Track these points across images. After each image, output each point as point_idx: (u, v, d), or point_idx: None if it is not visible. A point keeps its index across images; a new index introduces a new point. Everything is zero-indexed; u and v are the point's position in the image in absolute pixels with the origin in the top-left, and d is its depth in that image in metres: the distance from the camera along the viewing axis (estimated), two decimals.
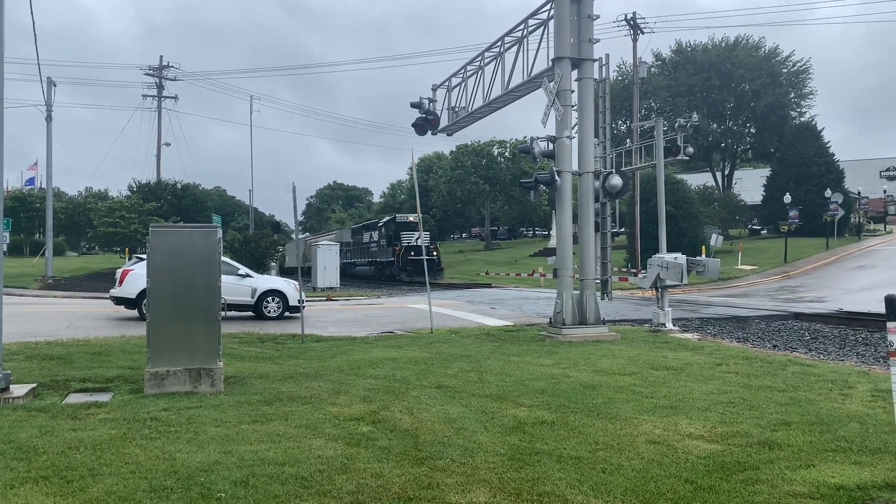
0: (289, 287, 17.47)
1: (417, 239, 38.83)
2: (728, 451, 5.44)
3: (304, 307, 14.51)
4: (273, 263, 36.12)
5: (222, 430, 5.97)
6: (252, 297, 16.99)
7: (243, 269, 17.48)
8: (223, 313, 9.66)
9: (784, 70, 61.65)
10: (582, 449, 5.54)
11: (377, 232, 46.58)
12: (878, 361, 10.96)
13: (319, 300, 25.73)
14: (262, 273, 22.49)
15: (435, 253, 41.41)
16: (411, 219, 42.76)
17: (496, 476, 4.83)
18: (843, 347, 12.68)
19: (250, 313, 17.07)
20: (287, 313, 17.17)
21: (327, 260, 34.81)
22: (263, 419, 6.37)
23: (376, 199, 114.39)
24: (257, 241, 37.05)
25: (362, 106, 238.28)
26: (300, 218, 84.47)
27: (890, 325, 4.45)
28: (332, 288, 33.42)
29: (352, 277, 48.33)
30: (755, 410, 6.82)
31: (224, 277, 9.61)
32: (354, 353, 10.94)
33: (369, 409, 6.80)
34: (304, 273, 25.55)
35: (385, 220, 47.44)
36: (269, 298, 17.13)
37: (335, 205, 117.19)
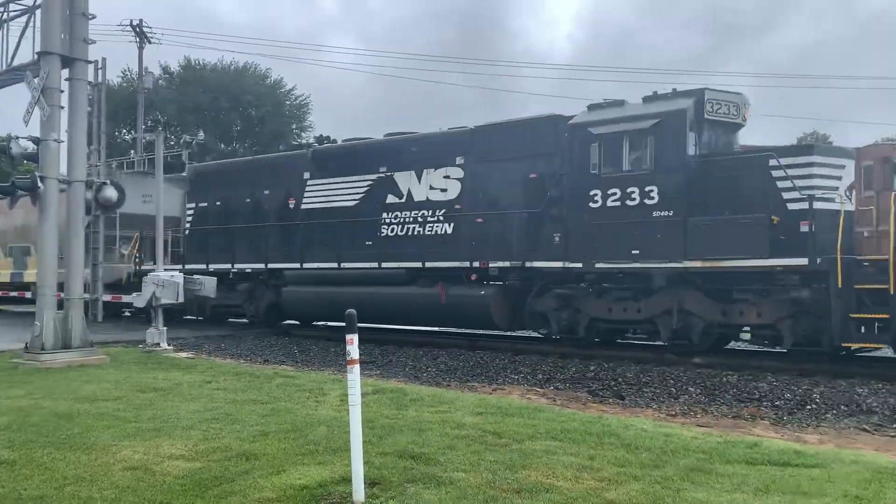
0: None
1: None
2: (207, 468, 5.52)
3: None
4: None
5: None
6: None
7: None
8: None
9: (287, 102, 66.27)
10: (47, 487, 5.01)
11: None
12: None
13: None
14: None
15: None
16: None
17: None
18: (325, 358, 14.04)
19: None
20: None
21: None
22: None
23: None
24: None
25: None
26: None
27: (348, 336, 5.07)
28: None
29: None
30: (238, 424, 7.07)
31: None
32: None
33: None
34: None
35: None
36: None
37: None
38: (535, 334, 15.53)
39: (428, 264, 14.73)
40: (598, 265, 12.67)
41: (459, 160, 14.70)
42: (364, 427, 5.24)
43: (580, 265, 12.83)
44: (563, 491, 4.95)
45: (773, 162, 11.39)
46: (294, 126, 66.95)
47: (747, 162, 11.94)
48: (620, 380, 10.94)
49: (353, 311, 5.25)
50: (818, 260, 10.68)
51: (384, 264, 15.36)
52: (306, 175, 17.18)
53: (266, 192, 17.89)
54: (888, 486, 5.18)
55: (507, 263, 13.78)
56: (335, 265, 16.07)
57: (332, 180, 16.67)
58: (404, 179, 15.49)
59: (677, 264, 11.83)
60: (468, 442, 6.35)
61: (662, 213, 11.99)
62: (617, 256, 12.41)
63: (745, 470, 5.58)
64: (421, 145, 15.63)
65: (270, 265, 17.30)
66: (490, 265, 14.00)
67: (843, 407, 8.90)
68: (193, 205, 19.10)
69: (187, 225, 19.25)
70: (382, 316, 16.16)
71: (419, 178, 15.22)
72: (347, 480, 5.00)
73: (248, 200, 18.15)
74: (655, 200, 12.05)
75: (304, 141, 67.50)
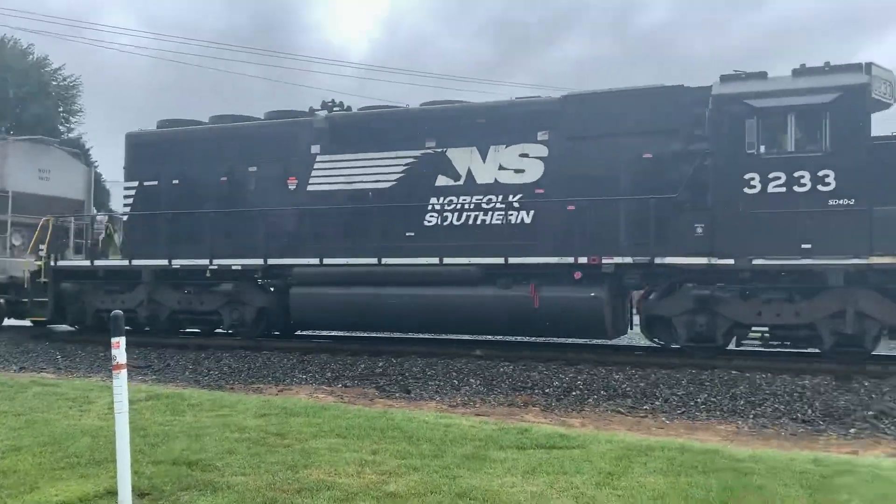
0: None
1: None
2: None
3: None
4: None
5: None
6: None
7: None
8: None
9: (54, 82, 60.12)
10: None
11: None
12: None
13: None
14: None
15: None
16: None
17: None
18: (94, 364, 12.91)
19: None
20: None
21: None
22: None
23: None
24: None
25: None
26: None
27: (113, 339, 4.72)
28: None
29: None
30: None
31: None
32: None
33: None
34: None
35: None
36: None
37: None
38: (326, 334, 15.38)
39: (512, 260, 12.10)
40: (755, 261, 10.71)
41: (542, 135, 12.33)
42: (135, 435, 4.91)
43: (731, 261, 10.81)
44: (344, 487, 4.98)
45: None
46: (61, 109, 60.90)
47: None
48: (407, 374, 11.21)
49: (119, 312, 4.91)
50: None
51: (446, 260, 12.46)
52: (315, 149, 13.76)
53: (251, 168, 14.19)
54: (636, 461, 5.80)
55: (628, 259, 11.48)
56: (374, 261, 12.85)
57: (355, 156, 13.46)
58: (462, 157, 12.78)
59: (861, 260, 10.27)
60: (249, 445, 6.18)
61: (841, 202, 10.38)
62: (781, 251, 10.60)
63: (515, 455, 5.97)
64: (487, 116, 12.84)
65: (271, 261, 13.70)
66: (603, 261, 11.55)
67: (602, 392, 9.83)
68: (135, 183, 15.05)
69: (125, 209, 15.36)
70: (443, 324, 13.31)
71: (483, 156, 12.66)
72: (113, 493, 4.67)
73: (224, 179, 14.31)
74: (832, 187, 10.41)
75: (71, 127, 61.93)
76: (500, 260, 12.12)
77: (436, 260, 12.49)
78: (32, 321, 16.32)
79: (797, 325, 11.01)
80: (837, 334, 10.73)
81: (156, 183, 14.83)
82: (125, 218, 15.64)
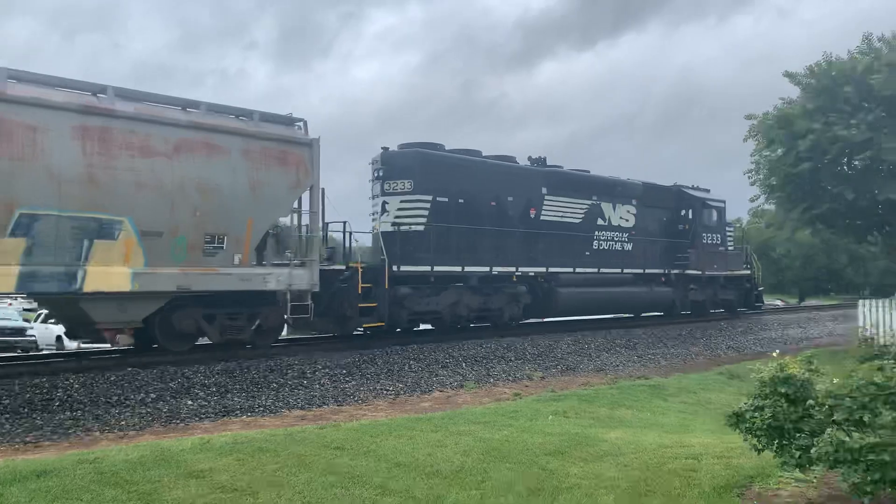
0: None
1: None
2: None
3: None
4: None
5: None
6: None
7: None
8: None
9: None
10: None
11: None
12: None
13: None
14: None
15: None
16: None
17: None
18: None
19: None
20: None
21: None
22: None
23: None
24: None
25: None
26: None
27: None
28: None
29: None
30: None
31: None
32: None
33: None
34: None
35: None
36: None
37: None
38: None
39: (647, 270, 21.75)
40: (707, 272, 24.09)
41: (634, 202, 21.70)
42: None
43: (700, 272, 23.60)
44: None
45: None
46: None
47: None
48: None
49: None
50: None
51: (626, 270, 20.91)
52: (544, 190, 18.87)
53: (510, 198, 17.97)
54: None
55: (675, 270, 22.64)
56: (595, 270, 19.78)
57: (563, 199, 19.38)
58: (606, 208, 20.62)
59: None
60: None
61: None
62: None
63: None
64: (616, 185, 21.44)
65: (551, 269, 18.56)
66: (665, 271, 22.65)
67: None
68: (429, 197, 16.17)
69: (421, 220, 16.10)
70: (617, 307, 22.21)
71: (613, 208, 20.83)
72: None
73: (493, 203, 17.56)
74: None
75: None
76: (641, 270, 21.42)
77: (613, 270, 20.50)
78: (364, 328, 15.48)
79: None
80: None
81: (445, 200, 16.46)
82: (422, 229, 16.05)
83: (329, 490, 5.81)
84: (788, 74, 19.61)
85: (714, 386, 14.08)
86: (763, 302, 28.60)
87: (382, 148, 16.49)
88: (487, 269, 16.93)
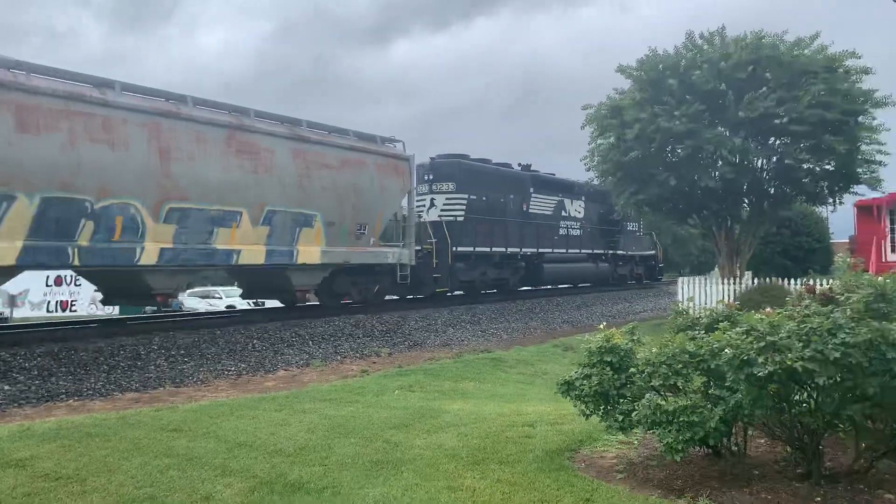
0: None
1: None
2: None
3: None
4: None
5: None
6: None
7: None
8: None
9: None
10: None
11: None
12: None
13: None
14: None
15: None
16: None
17: None
18: None
19: None
20: None
21: None
22: None
23: None
24: None
25: None
26: None
27: None
28: None
29: None
30: None
31: None
32: None
33: None
34: None
35: None
36: None
37: None
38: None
39: (595, 251, 28.39)
40: (618, 251, 30.89)
41: (582, 197, 27.83)
42: None
43: (624, 252, 30.70)
44: None
45: None
46: None
47: None
48: None
49: None
50: None
51: (582, 251, 27.46)
52: (531, 189, 24.71)
53: (511, 196, 23.50)
54: None
55: (610, 251, 29.72)
56: (564, 251, 25.94)
57: (541, 196, 25.17)
58: (567, 203, 26.69)
59: None
60: None
61: None
62: None
63: None
64: (573, 185, 27.54)
65: (539, 250, 24.38)
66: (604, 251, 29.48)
67: None
68: (466, 196, 21.29)
69: (462, 213, 21.16)
70: (577, 279, 28.31)
71: (571, 202, 26.99)
72: None
73: (502, 200, 22.88)
74: None
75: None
76: (591, 251, 28.08)
77: (573, 250, 27.02)
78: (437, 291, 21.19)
79: None
80: None
81: (475, 197, 21.68)
82: (460, 218, 21.23)
83: (165, 473, 5.60)
84: (621, 69, 20.74)
85: (550, 357, 14.92)
86: (663, 275, 36.91)
87: (430, 158, 22.07)
88: (503, 249, 22.66)
